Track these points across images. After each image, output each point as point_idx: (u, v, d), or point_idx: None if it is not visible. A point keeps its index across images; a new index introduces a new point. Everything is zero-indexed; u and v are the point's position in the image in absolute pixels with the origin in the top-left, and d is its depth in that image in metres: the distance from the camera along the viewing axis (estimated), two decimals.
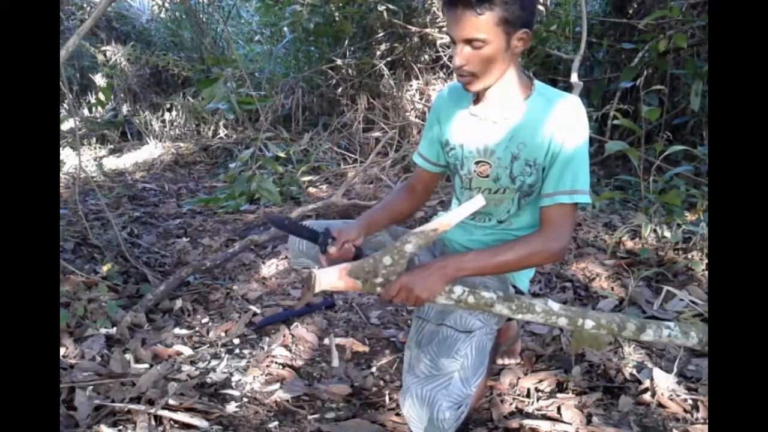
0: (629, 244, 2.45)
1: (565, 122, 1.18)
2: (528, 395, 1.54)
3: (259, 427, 1.43)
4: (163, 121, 5.48)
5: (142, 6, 6.56)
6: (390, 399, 1.55)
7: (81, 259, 2.45)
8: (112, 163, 4.87)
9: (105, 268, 2.27)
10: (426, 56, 4.60)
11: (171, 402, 1.46)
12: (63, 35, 5.22)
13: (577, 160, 1.18)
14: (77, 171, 2.95)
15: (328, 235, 1.29)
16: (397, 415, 1.46)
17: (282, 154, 3.92)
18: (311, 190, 3.74)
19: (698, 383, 1.54)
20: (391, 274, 1.13)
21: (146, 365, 1.68)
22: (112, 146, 5.43)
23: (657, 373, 1.54)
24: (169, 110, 5.53)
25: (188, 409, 1.46)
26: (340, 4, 4.32)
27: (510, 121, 1.22)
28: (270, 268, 2.51)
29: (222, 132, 5.17)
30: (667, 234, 2.37)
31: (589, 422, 1.40)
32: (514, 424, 1.40)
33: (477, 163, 1.28)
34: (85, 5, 5.81)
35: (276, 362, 1.74)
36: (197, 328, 1.96)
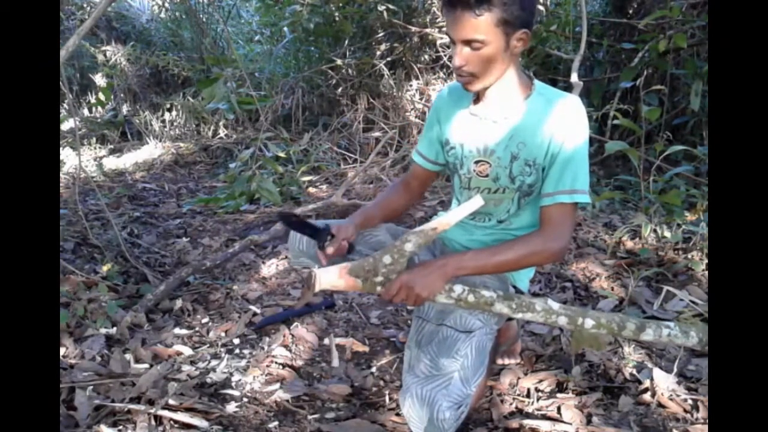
0: (629, 244, 2.45)
1: (565, 122, 1.18)
2: (528, 395, 1.54)
3: (259, 427, 1.43)
4: (163, 121, 5.48)
5: (142, 6, 6.56)
6: (390, 399, 1.55)
7: (81, 259, 2.45)
8: (112, 163, 4.87)
9: (105, 268, 2.27)
10: (426, 56, 4.59)
11: (171, 402, 1.46)
12: (63, 35, 5.22)
13: (577, 159, 1.18)
14: (77, 171, 2.95)
15: (327, 232, 1.30)
16: (397, 415, 1.46)
17: (282, 154, 3.92)
18: (311, 190, 3.74)
19: (698, 383, 1.54)
20: (391, 273, 1.13)
21: (146, 365, 1.68)
22: (112, 146, 5.43)
23: (657, 373, 1.54)
24: (169, 110, 5.53)
25: (188, 409, 1.46)
26: (340, 4, 4.32)
27: (510, 120, 1.22)
28: (270, 268, 2.51)
29: (222, 132, 5.17)
30: (667, 234, 2.37)
31: (589, 422, 1.40)
32: (514, 424, 1.40)
33: (477, 162, 1.28)
34: (85, 5, 5.81)
35: (276, 362, 1.74)
36: (197, 328, 1.96)
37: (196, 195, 3.89)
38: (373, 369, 1.72)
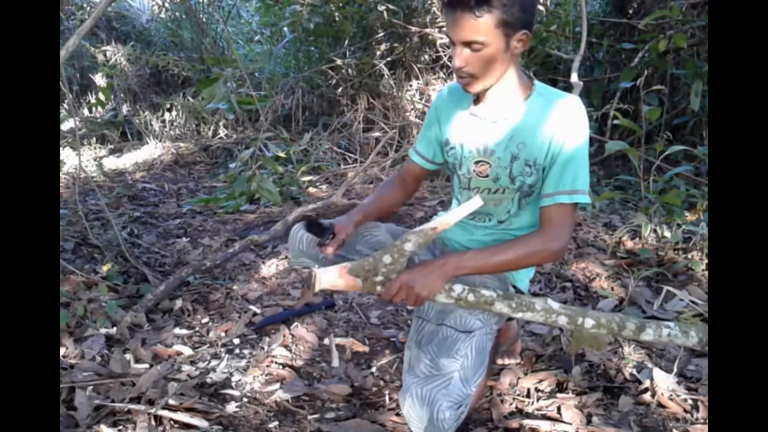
0: (629, 244, 2.45)
1: (565, 122, 1.18)
2: (528, 395, 1.54)
3: (259, 427, 1.43)
4: (163, 121, 5.48)
5: (142, 6, 6.57)
6: (390, 399, 1.55)
7: (81, 259, 2.45)
8: (112, 163, 4.87)
9: (105, 268, 2.27)
10: (426, 56, 4.60)
11: (171, 402, 1.46)
12: (63, 35, 5.22)
13: (577, 160, 1.19)
14: (77, 171, 2.95)
15: (330, 230, 1.32)
16: (397, 415, 1.46)
17: (282, 154, 3.92)
18: (311, 190, 3.74)
19: (698, 383, 1.53)
20: (391, 272, 1.13)
21: (146, 365, 1.68)
22: (112, 146, 5.43)
23: (657, 373, 1.54)
24: (169, 110, 5.54)
25: (188, 409, 1.46)
26: (340, 4, 4.32)
27: (510, 121, 1.22)
28: (270, 268, 2.51)
29: (222, 132, 5.17)
30: (667, 234, 2.37)
31: (589, 422, 1.40)
32: (514, 424, 1.40)
33: (476, 162, 1.28)
34: (85, 5, 5.81)
35: (276, 362, 1.74)
36: (197, 328, 1.96)
37: (196, 195, 3.89)
38: (373, 369, 1.72)
